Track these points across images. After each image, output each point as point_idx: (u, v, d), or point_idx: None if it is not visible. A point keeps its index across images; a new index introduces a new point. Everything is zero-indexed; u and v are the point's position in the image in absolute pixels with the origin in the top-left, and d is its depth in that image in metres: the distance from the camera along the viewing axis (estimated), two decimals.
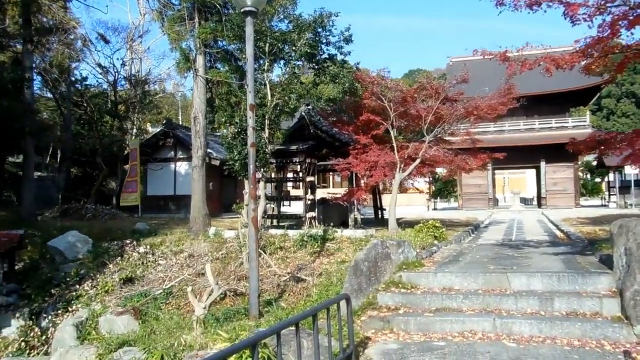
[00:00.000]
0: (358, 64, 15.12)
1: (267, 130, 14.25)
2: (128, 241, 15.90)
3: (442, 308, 7.57)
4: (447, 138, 17.06)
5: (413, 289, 8.47)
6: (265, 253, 13.25)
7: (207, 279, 11.29)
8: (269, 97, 13.82)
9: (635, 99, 79.01)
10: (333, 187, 38.23)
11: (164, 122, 29.19)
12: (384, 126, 15.87)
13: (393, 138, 15.78)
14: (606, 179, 58.59)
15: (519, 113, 35.14)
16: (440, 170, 22.91)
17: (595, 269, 8.28)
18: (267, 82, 14.09)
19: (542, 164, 34.34)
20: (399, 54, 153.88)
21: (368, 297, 8.51)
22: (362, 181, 18.70)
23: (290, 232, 14.94)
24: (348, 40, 14.68)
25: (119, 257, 14.49)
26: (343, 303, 5.78)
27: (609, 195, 35.56)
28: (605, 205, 34.74)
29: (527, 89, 30.30)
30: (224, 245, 14.72)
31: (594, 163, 49.55)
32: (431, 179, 39.42)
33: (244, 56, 13.70)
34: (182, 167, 28.06)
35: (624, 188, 32.64)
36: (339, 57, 14.92)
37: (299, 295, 10.46)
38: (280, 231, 15.23)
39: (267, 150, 14.23)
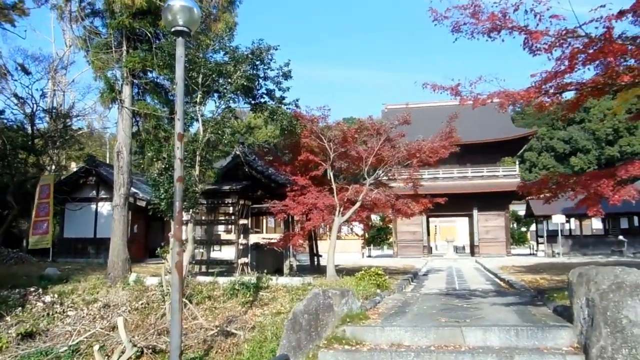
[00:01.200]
0: (297, 100, 14.45)
1: (197, 168, 13.10)
2: (33, 289, 13.89)
3: None
4: (387, 182, 16.55)
5: (358, 345, 7.50)
6: (192, 303, 11.87)
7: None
8: (201, 132, 12.76)
9: (555, 153, 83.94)
10: (267, 232, 36.95)
11: (86, 158, 27.12)
12: (323, 167, 15.16)
13: (332, 180, 15.07)
14: (531, 228, 60.98)
15: (452, 161, 35.79)
16: (375, 218, 22.50)
17: (553, 321, 7.66)
18: (199, 115, 13.06)
19: (475, 212, 34.85)
20: (333, 104, 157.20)
21: (308, 356, 7.47)
22: (298, 225, 17.76)
23: (221, 280, 13.62)
24: (287, 75, 13.99)
25: (20, 308, 12.52)
26: None
27: (537, 244, 36.46)
28: (533, 254, 35.52)
29: (461, 137, 30.94)
30: (145, 294, 13.13)
31: (521, 213, 51.34)
32: (365, 225, 39.14)
33: (174, 87, 12.67)
34: (104, 207, 25.98)
35: (551, 237, 33.53)
36: (278, 93, 14.17)
37: (228, 352, 9.18)
38: (209, 278, 13.87)
39: (196, 189, 13.04)
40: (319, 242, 23.09)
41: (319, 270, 18.75)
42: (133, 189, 26.18)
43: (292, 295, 11.81)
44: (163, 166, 12.75)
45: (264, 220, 38.00)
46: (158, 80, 16.29)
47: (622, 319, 6.37)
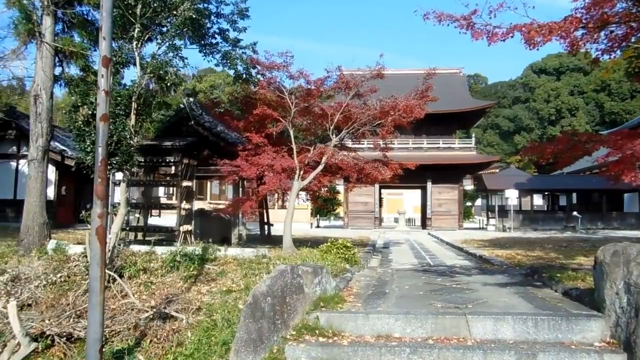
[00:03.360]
0: (255, 44, 12.31)
1: (133, 117, 10.91)
2: None
3: None
4: (352, 147, 14.83)
5: (337, 337, 5.91)
6: (123, 277, 9.87)
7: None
8: (139, 72, 10.55)
9: (499, 130, 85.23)
10: (211, 199, 34.66)
11: (4, 109, 23.80)
12: (282, 124, 13.27)
13: (292, 139, 13.22)
14: (477, 203, 61.54)
15: (408, 132, 34.68)
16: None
17: (575, 309, 6.26)
18: (136, 53, 10.79)
19: (429, 184, 33.96)
20: None
21: (272, 351, 5.81)
22: (251, 190, 15.85)
23: (159, 249, 11.58)
24: (244, 14, 11.85)
25: None
26: None
27: (488, 218, 36.18)
28: (483, 228, 35.18)
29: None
30: (67, 265, 10.88)
31: (467, 188, 51.35)
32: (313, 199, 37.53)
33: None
34: (27, 166, 23.00)
35: (503, 212, 33.19)
36: (232, 34, 12.02)
37: (166, 342, 7.28)
38: (146, 247, 11.79)
39: (132, 142, 10.87)
40: (269, 210, 21.27)
41: (271, 241, 17.00)
42: (60, 145, 23.34)
43: (245, 270, 10.02)
44: (90, 112, 10.47)
45: (208, 186, 35.66)
46: (88, 17, 13.81)
47: None
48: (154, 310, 8.27)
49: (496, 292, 7.38)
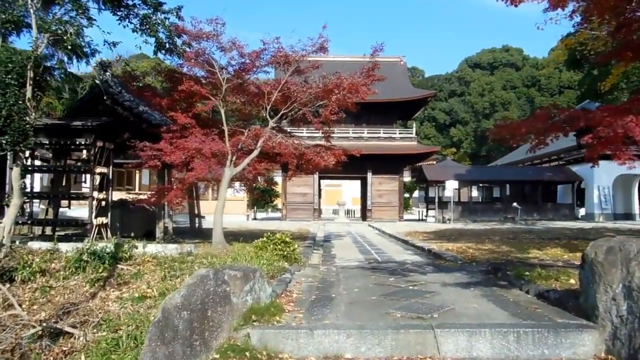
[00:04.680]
0: (180, 9, 10.54)
1: (29, 88, 9.07)
2: None
3: None
4: (291, 133, 13.44)
5: None
6: (13, 282, 8.15)
7: None
8: (35, 32, 8.71)
9: (436, 123, 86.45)
10: (141, 189, 32.28)
11: None
12: (212, 102, 11.70)
13: (224, 120, 11.68)
14: (414, 195, 61.82)
15: (348, 121, 33.72)
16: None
17: (557, 316, 5.24)
18: (32, 11, 8.91)
19: (369, 175, 33.12)
20: None
21: None
22: (177, 178, 14.13)
23: (65, 247, 9.79)
24: None
25: None
26: None
27: (427, 209, 35.86)
28: (423, 220, 34.82)
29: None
30: None
31: (407, 179, 51.28)
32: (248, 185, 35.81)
33: None
34: None
35: (442, 203, 32.91)
36: None
37: None
38: (48, 244, 9.96)
39: (28, 118, 9.05)
40: (200, 201, 19.57)
41: (202, 235, 15.42)
42: None
43: (165, 270, 8.48)
44: None
45: (137, 175, 33.24)
46: None
47: None
48: (44, 324, 6.64)
49: (461, 296, 6.28)
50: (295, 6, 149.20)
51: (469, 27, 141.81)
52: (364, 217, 34.81)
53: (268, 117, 11.83)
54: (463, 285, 7.06)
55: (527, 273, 6.98)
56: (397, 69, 36.01)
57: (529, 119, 9.31)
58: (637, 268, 4.55)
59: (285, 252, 8.81)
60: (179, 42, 10.89)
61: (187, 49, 11.03)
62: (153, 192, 13.71)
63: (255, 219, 35.39)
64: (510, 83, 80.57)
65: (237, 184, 17.76)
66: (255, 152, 11.38)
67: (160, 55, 11.13)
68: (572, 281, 6.30)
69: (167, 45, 10.55)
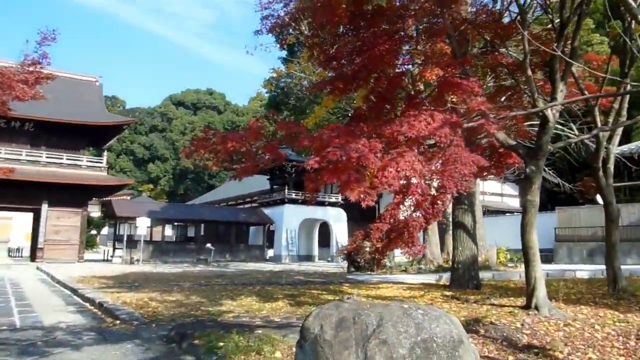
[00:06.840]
0: None
1: None
2: None
3: None
4: None
5: None
6: None
7: None
8: None
9: (134, 157, 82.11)
10: None
11: None
12: None
13: None
14: (102, 232, 56.10)
15: (24, 140, 28.08)
16: None
17: None
18: None
19: (44, 207, 27.64)
20: None
21: None
22: None
23: None
24: None
25: None
26: None
27: (114, 249, 31.97)
28: (108, 260, 30.84)
29: (35, 111, 24.01)
30: None
31: (93, 214, 46.01)
32: None
33: None
34: None
35: (132, 242, 29.77)
36: None
37: None
38: None
39: None
40: None
41: None
42: None
43: None
44: None
45: None
46: None
47: None
48: None
49: None
50: None
51: (175, 66, 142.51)
52: (33, 257, 28.85)
53: None
54: None
55: (222, 344, 5.22)
56: (92, 89, 31.99)
57: (239, 132, 7.86)
58: (378, 350, 3.18)
59: None
60: None
61: None
62: None
63: None
64: (212, 125, 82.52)
65: None
66: None
67: None
68: (277, 355, 4.77)
69: None
